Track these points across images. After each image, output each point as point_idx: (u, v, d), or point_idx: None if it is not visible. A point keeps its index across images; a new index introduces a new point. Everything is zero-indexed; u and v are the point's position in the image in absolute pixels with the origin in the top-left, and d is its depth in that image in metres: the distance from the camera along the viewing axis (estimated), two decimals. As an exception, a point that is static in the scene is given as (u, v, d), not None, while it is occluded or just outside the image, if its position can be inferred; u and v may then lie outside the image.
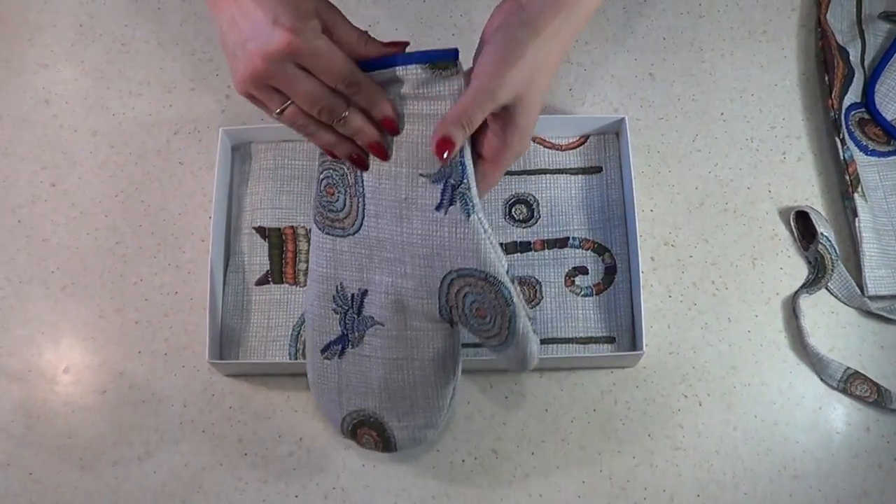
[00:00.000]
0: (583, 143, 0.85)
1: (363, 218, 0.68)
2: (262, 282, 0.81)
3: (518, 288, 0.67)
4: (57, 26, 0.92)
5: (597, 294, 0.80)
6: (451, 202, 0.64)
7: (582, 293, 0.80)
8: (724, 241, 0.83)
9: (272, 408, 0.78)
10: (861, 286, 0.81)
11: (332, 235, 0.69)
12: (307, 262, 0.80)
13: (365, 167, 0.67)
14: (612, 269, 0.81)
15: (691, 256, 0.83)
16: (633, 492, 0.76)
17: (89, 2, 0.93)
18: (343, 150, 0.66)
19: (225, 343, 0.79)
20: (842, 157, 0.84)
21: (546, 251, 0.82)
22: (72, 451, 0.77)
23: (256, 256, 0.81)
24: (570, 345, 0.79)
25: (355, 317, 0.69)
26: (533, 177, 0.84)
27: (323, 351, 0.71)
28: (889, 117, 0.86)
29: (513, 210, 0.83)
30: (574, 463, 0.77)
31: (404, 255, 0.67)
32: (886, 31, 0.90)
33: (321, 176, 0.70)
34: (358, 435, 0.73)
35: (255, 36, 0.59)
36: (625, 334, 0.79)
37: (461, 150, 0.64)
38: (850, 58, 0.88)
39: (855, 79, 0.87)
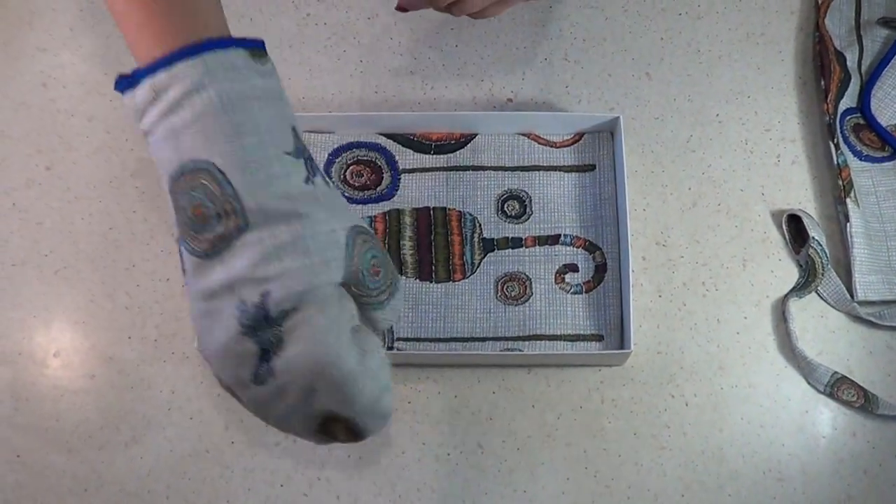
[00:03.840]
0: (577, 141, 0.85)
1: (246, 218, 0.58)
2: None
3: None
4: (56, 10, 0.92)
5: (586, 292, 0.81)
6: (314, 172, 0.60)
7: (572, 290, 0.81)
8: (716, 242, 0.84)
9: (260, 396, 0.78)
10: (851, 291, 0.81)
11: (217, 255, 0.59)
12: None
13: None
14: (603, 267, 0.81)
15: (682, 257, 0.83)
16: (617, 490, 0.76)
17: (90, -13, 0.93)
18: None
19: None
20: (835, 162, 0.84)
21: (537, 248, 0.82)
22: (59, 435, 0.78)
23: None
24: (559, 342, 0.79)
25: (264, 322, 0.58)
26: (526, 173, 0.84)
27: (254, 382, 0.59)
28: (884, 123, 0.86)
29: (505, 206, 0.83)
30: (559, 459, 0.77)
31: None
32: (884, 37, 0.90)
33: (182, 203, 0.59)
34: (329, 433, 0.62)
35: None
36: (613, 333, 0.79)
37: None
38: (847, 63, 0.88)
39: (851, 84, 0.87)
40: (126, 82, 0.59)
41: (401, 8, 0.78)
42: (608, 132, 0.85)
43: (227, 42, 0.59)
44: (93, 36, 0.91)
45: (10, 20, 0.92)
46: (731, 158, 0.87)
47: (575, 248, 0.82)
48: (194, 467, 0.77)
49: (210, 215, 0.59)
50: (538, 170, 0.84)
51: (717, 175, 0.86)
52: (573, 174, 0.84)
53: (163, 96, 0.58)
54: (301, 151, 0.62)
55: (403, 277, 0.81)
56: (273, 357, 0.58)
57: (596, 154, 0.84)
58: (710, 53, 0.91)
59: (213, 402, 0.78)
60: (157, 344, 0.80)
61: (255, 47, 0.60)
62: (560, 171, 0.84)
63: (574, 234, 0.82)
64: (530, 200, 0.83)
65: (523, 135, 0.85)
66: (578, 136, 0.85)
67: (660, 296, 0.82)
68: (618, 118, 0.82)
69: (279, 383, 0.59)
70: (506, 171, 0.84)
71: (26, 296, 0.82)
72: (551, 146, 0.85)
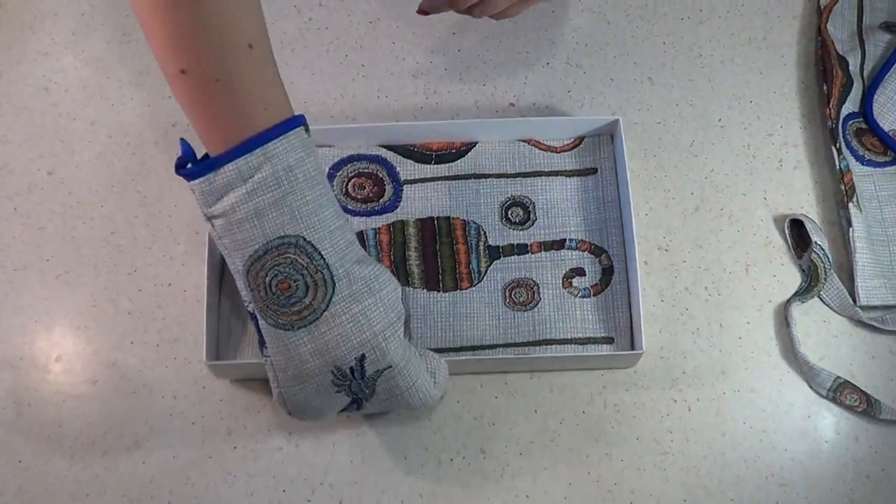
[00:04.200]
0: (577, 145, 0.85)
1: (335, 285, 0.64)
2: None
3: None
4: (58, 15, 0.92)
5: (594, 295, 0.80)
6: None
7: (580, 294, 0.81)
8: (718, 247, 0.84)
9: (262, 402, 0.78)
10: (853, 296, 0.81)
11: (304, 326, 0.64)
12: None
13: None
14: (610, 270, 0.81)
15: (685, 261, 0.83)
16: (620, 495, 0.76)
17: (91, -9, 0.93)
18: None
19: (222, 343, 0.79)
20: (837, 167, 0.84)
21: (543, 253, 0.82)
22: (62, 440, 0.77)
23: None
24: (569, 346, 0.79)
25: (360, 381, 0.65)
26: (529, 179, 0.84)
27: (338, 414, 0.69)
28: (886, 128, 0.86)
29: (509, 213, 0.83)
30: (562, 464, 0.77)
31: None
32: (886, 42, 0.90)
33: (266, 279, 0.63)
34: None
35: None
36: (623, 335, 0.79)
37: None
38: (850, 67, 0.88)
39: (853, 88, 0.87)
40: (199, 169, 0.61)
41: (422, 11, 0.78)
42: (608, 135, 0.85)
43: (298, 120, 0.62)
44: (95, 40, 0.91)
45: (12, 24, 0.92)
46: (733, 163, 0.87)
47: (581, 252, 0.82)
48: (197, 473, 0.76)
49: (297, 288, 0.62)
50: (540, 175, 0.84)
51: (720, 179, 0.86)
52: (575, 178, 0.84)
53: (249, 178, 0.60)
54: (345, 216, 0.66)
55: (410, 289, 0.81)
56: (364, 402, 0.67)
57: (597, 157, 0.84)
58: (712, 58, 0.91)
59: (216, 407, 0.78)
60: (160, 349, 0.80)
61: (305, 121, 0.63)
62: (562, 175, 0.84)
63: (579, 237, 0.82)
64: (534, 206, 0.83)
65: (523, 141, 0.85)
66: (579, 140, 0.85)
67: (662, 300, 0.82)
68: (617, 120, 0.82)
69: (362, 414, 0.70)
70: (508, 177, 0.84)
71: (28, 300, 0.82)
72: (552, 151, 0.85)
